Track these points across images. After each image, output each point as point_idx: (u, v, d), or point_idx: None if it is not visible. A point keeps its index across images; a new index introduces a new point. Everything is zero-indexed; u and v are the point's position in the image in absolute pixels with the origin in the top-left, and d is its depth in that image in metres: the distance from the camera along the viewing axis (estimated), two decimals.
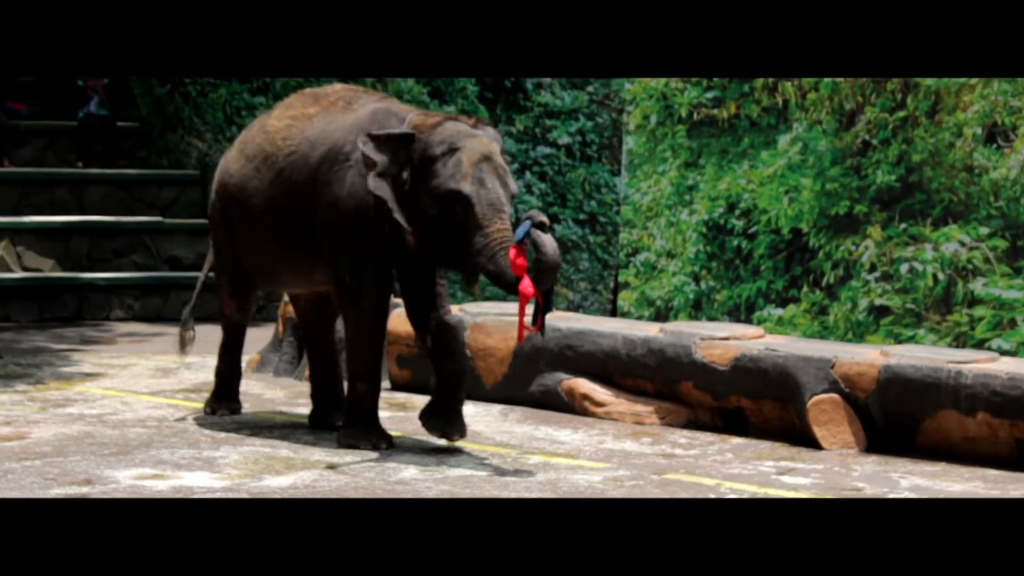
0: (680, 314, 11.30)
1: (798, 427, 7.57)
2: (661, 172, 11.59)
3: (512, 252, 6.60)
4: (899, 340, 10.07)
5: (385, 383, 8.23)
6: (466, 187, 6.72)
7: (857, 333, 10.41)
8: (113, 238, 12.87)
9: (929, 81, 10.17)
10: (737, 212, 11.17)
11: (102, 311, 12.39)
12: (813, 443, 7.43)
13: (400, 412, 8.18)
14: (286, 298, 8.95)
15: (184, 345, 8.19)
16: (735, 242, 11.15)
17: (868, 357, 7.50)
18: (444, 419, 7.14)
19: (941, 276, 10.12)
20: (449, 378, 7.13)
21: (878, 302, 10.39)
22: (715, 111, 11.33)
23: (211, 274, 8.06)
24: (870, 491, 6.56)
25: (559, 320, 8.30)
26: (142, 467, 6.70)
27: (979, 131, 10.04)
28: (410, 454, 7.07)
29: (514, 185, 6.89)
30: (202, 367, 9.38)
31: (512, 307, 8.67)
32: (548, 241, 6.57)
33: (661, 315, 11.34)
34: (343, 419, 7.33)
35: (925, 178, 10.26)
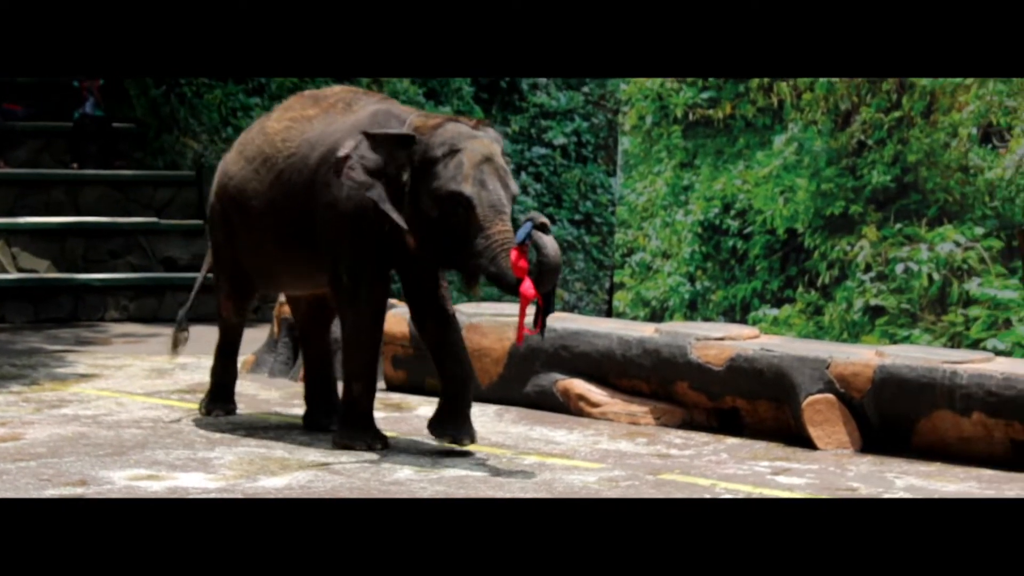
0: (675, 314, 11.30)
1: (793, 427, 7.57)
2: (656, 172, 11.59)
3: (513, 254, 6.58)
4: (894, 340, 10.08)
5: (380, 384, 8.23)
6: (467, 189, 6.70)
7: (852, 333, 10.41)
8: (108, 239, 12.88)
9: (924, 81, 10.18)
10: (732, 212, 11.18)
11: (97, 312, 12.39)
12: (808, 443, 7.43)
13: (395, 413, 8.17)
14: (282, 299, 8.95)
15: (176, 345, 8.17)
16: (730, 242, 11.16)
17: (863, 357, 7.50)
18: (453, 424, 7.10)
19: (936, 276, 10.13)
20: (455, 382, 7.11)
21: (873, 302, 10.40)
22: (710, 111, 11.34)
23: (210, 275, 8.05)
24: (865, 491, 6.56)
25: (555, 320, 8.30)
26: (137, 468, 6.70)
27: (974, 131, 10.05)
28: (405, 455, 7.07)
29: (515, 186, 6.87)
30: (197, 368, 9.37)
31: (506, 307, 8.68)
32: (549, 242, 6.56)
33: (656, 315, 11.35)
34: (338, 420, 7.33)
35: (920, 178, 10.26)
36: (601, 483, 6.60)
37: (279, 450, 7.13)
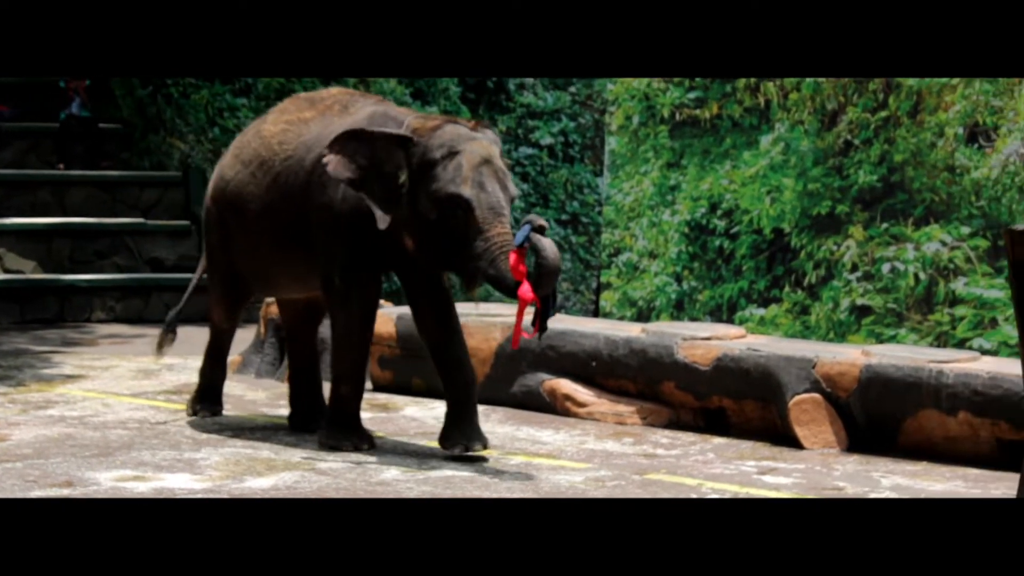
0: (662, 314, 11.30)
1: (780, 427, 7.57)
2: (643, 172, 11.59)
3: (512, 257, 6.56)
4: (881, 340, 10.09)
5: (367, 384, 8.22)
6: (466, 191, 6.68)
7: (839, 333, 10.42)
8: (95, 240, 12.86)
9: (911, 81, 10.19)
10: (719, 212, 11.18)
11: (84, 313, 12.37)
12: (795, 443, 7.44)
13: (382, 413, 8.17)
14: (268, 299, 8.94)
15: (162, 346, 8.15)
16: (717, 242, 11.16)
17: (850, 357, 7.51)
18: (462, 432, 7.04)
19: (922, 276, 10.14)
20: (458, 388, 7.08)
21: (860, 302, 10.41)
22: (697, 111, 11.34)
23: (205, 275, 8.01)
24: (851, 491, 6.57)
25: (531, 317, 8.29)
26: (123, 469, 6.69)
27: (960, 131, 10.06)
28: (392, 455, 7.07)
29: (514, 188, 6.85)
30: (183, 369, 9.36)
31: (492, 307, 8.68)
32: (548, 245, 6.54)
33: (643, 315, 11.35)
34: (325, 420, 7.31)
35: (907, 178, 10.27)
36: (588, 483, 6.60)
37: (265, 451, 7.13)
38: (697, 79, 11.27)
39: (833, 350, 7.73)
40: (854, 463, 7.14)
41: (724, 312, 11.02)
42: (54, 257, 12.68)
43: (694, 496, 6.39)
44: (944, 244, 10.06)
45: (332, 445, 7.13)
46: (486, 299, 10.10)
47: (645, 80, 11.52)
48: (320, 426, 7.36)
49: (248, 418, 7.97)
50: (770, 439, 7.58)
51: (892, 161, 10.33)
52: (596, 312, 12.23)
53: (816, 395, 7.44)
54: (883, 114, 10.39)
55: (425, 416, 8.14)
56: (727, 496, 6.40)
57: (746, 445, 7.53)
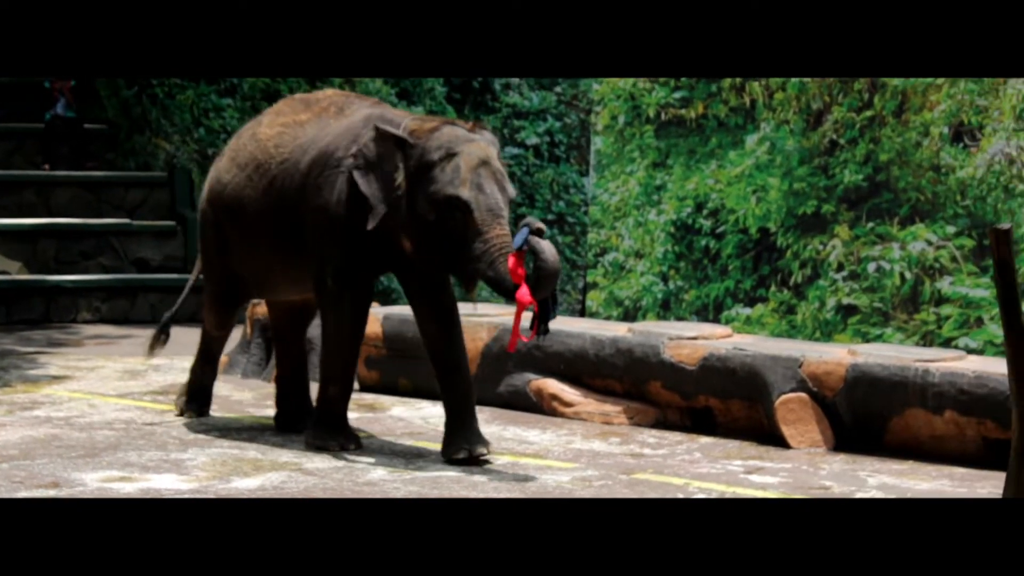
0: (648, 314, 11.32)
1: (766, 426, 7.58)
2: (629, 172, 11.60)
3: (511, 260, 6.55)
4: (866, 339, 10.11)
5: (354, 384, 8.21)
6: (465, 192, 6.66)
7: (825, 332, 10.44)
8: (80, 240, 12.84)
9: (896, 81, 10.21)
10: (705, 212, 11.19)
11: (69, 313, 12.35)
12: (781, 442, 7.45)
13: (369, 413, 8.17)
14: (255, 300, 8.92)
15: (153, 348, 8.13)
16: (703, 242, 11.18)
17: (836, 356, 7.52)
18: (464, 437, 7.00)
19: (908, 275, 10.16)
20: (457, 393, 7.05)
21: (846, 301, 10.43)
22: (683, 111, 11.35)
23: (201, 276, 7.98)
24: (838, 490, 6.58)
25: (528, 321, 8.29)
26: (109, 470, 6.68)
27: (946, 130, 10.08)
28: (378, 455, 7.06)
29: (512, 189, 6.83)
30: (170, 369, 9.35)
31: (480, 307, 8.67)
32: (547, 247, 6.52)
33: (629, 315, 11.36)
34: (312, 421, 7.31)
35: (892, 177, 10.29)
36: (574, 483, 6.60)
37: (252, 451, 7.12)
38: (683, 79, 11.28)
39: (819, 349, 7.74)
40: (840, 462, 7.15)
41: (710, 312, 11.03)
42: (39, 258, 12.66)
43: (681, 496, 6.39)
44: (930, 243, 10.08)
45: (319, 445, 7.13)
46: (486, 300, 10.10)
47: (631, 80, 11.53)
48: (307, 426, 7.36)
49: (235, 418, 7.96)
50: (757, 438, 7.59)
51: (877, 160, 10.35)
52: (582, 312, 12.24)
53: (802, 394, 7.45)
54: (868, 114, 10.41)
55: (412, 416, 8.14)
56: (714, 496, 6.40)
57: (733, 444, 7.53)
